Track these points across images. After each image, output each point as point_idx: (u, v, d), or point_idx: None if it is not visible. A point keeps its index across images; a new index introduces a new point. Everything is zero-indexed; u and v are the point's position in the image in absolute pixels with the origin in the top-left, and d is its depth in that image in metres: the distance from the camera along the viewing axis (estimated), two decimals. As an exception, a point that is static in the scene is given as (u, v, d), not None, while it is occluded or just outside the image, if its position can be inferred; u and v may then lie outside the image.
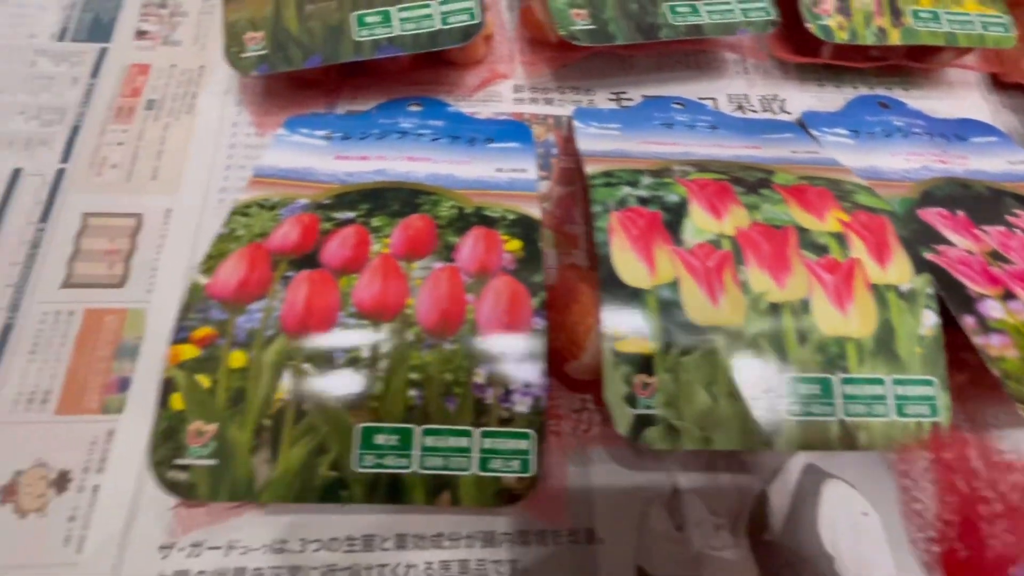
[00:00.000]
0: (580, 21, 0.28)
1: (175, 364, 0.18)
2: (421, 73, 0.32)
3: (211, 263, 0.20)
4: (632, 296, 0.20)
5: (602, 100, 0.32)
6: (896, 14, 0.31)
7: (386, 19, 0.27)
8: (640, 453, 0.24)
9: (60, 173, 0.28)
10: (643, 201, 0.23)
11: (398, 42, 0.27)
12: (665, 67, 0.34)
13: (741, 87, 0.34)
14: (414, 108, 0.30)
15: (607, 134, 0.29)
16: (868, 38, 0.30)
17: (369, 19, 0.27)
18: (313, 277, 0.20)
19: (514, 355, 0.20)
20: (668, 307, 0.20)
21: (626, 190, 0.23)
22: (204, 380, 0.18)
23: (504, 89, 0.32)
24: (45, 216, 0.27)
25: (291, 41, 0.27)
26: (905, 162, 0.29)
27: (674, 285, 0.21)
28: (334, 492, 0.18)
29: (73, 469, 0.22)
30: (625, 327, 0.20)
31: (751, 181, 0.24)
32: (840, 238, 0.22)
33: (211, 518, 0.22)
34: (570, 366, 0.22)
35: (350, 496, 0.18)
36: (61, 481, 0.22)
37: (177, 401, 0.18)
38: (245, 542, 0.22)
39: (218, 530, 0.22)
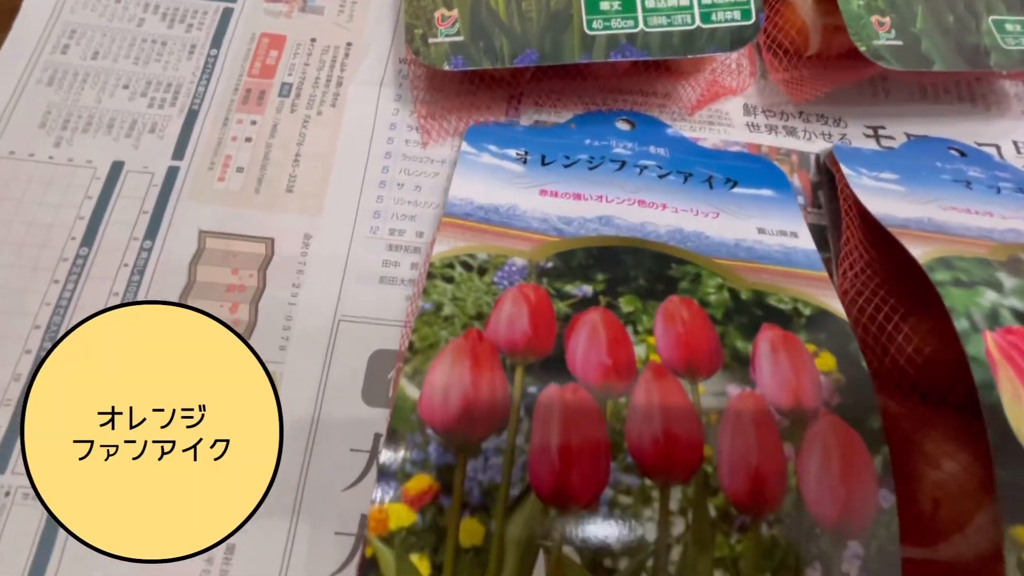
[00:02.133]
0: (883, 34, 0.20)
1: (379, 535, 0.12)
2: (628, 79, 0.24)
3: (420, 362, 0.14)
4: (1045, 480, 0.14)
5: (856, 135, 0.25)
6: None
7: (628, 7, 0.19)
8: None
9: (171, 173, 0.21)
10: (1019, 316, 0.16)
11: (640, 43, 0.20)
12: (928, 96, 0.26)
13: (1028, 132, 0.26)
14: (623, 126, 0.23)
15: (886, 188, 0.22)
16: None
17: (604, 5, 0.19)
18: (567, 400, 0.14)
19: (859, 550, 0.13)
20: (1101, 503, 0.14)
21: (991, 296, 0.16)
22: (423, 565, 0.12)
23: (732, 109, 0.25)
24: (153, 232, 0.20)
25: (497, 27, 0.19)
26: None
27: (1105, 468, 0.14)
28: None
29: (183, 598, 0.17)
30: (1039, 530, 0.13)
31: None
32: None
33: None
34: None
35: None
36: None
37: (383, 597, 0.12)
38: None
39: None
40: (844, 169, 0.22)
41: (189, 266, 0.20)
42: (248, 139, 0.22)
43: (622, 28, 0.19)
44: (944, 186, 0.22)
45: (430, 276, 0.16)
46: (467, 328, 0.15)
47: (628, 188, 0.20)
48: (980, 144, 0.25)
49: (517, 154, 0.21)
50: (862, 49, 0.20)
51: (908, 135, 0.25)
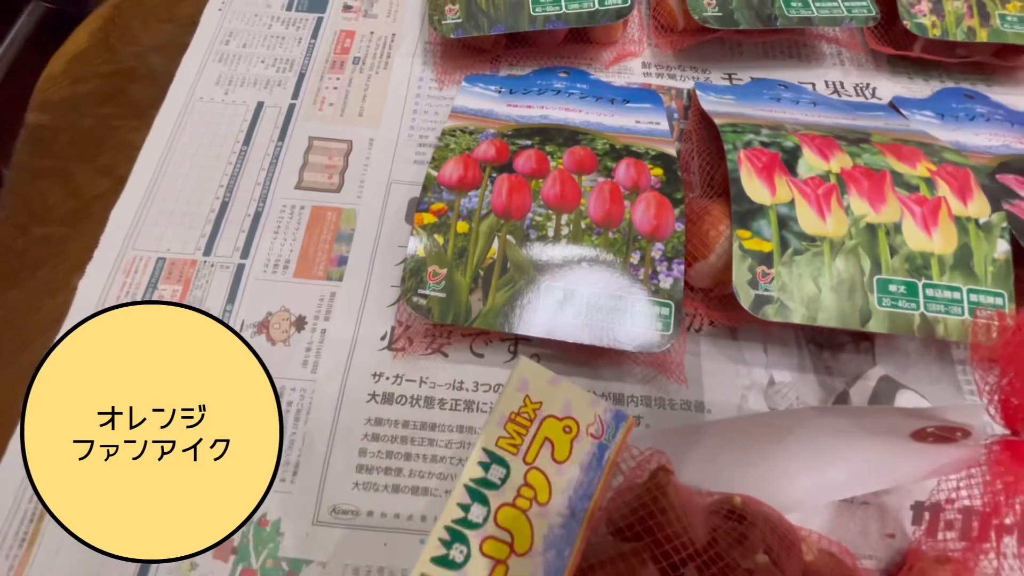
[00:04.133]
0: (711, 9, 0.34)
1: (420, 225, 0.25)
2: (567, 48, 0.39)
3: (436, 163, 0.28)
4: (757, 210, 0.26)
5: (716, 78, 0.38)
6: (984, 16, 0.35)
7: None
8: (743, 347, 0.29)
9: (291, 107, 0.36)
10: (764, 144, 0.29)
11: (563, 18, 0.34)
12: (770, 55, 0.40)
13: (837, 75, 0.39)
14: (562, 75, 0.37)
15: (724, 102, 0.35)
16: (958, 36, 0.35)
17: (542, -1, 0.34)
18: (511, 179, 0.27)
19: (661, 247, 0.26)
20: (785, 220, 0.26)
21: (750, 135, 0.29)
22: (439, 238, 0.25)
23: (635, 65, 0.38)
24: (282, 137, 0.35)
25: (480, 13, 0.34)
26: (987, 140, 0.33)
27: (790, 204, 0.26)
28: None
29: (307, 316, 0.30)
30: (751, 231, 0.26)
31: (852, 138, 0.30)
32: (929, 182, 0.27)
33: (409, 357, 0.28)
34: (697, 267, 0.28)
35: (537, 332, 0.25)
36: (299, 323, 0.30)
37: (421, 251, 0.25)
38: (433, 379, 0.28)
39: (414, 367, 0.29)
40: (699, 93, 0.35)
41: (304, 155, 0.34)
42: (335, 88, 0.36)
43: (553, 11, 0.34)
44: (763, 101, 0.35)
45: (442, 135, 0.30)
46: (461, 153, 0.28)
47: (560, 102, 0.34)
48: (802, 82, 0.38)
49: (495, 89, 0.35)
50: (696, 17, 0.34)
51: (752, 78, 0.38)
